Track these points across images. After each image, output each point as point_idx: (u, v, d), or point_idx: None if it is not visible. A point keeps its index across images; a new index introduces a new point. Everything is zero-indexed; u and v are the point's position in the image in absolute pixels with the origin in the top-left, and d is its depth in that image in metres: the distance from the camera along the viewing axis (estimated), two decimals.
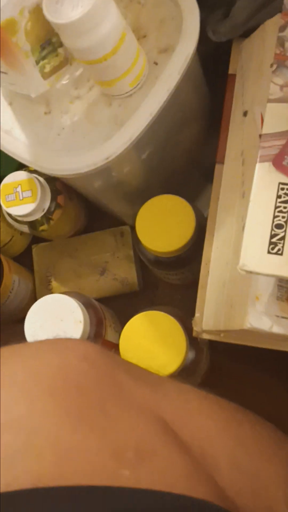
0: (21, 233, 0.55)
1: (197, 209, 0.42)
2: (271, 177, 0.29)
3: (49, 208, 0.47)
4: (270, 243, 0.28)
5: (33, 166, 0.38)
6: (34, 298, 0.54)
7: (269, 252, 0.28)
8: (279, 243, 0.28)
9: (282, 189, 0.29)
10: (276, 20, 0.37)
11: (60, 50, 0.37)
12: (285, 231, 0.28)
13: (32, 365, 0.28)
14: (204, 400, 0.33)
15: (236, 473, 0.29)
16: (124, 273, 0.53)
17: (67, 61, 0.38)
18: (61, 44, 0.36)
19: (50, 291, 0.54)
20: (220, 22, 0.40)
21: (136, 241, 0.43)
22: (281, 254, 0.28)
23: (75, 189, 0.49)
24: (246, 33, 0.42)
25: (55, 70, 0.38)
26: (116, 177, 0.41)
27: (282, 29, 0.34)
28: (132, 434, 0.27)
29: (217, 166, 0.40)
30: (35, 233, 0.51)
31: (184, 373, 0.40)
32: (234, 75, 0.42)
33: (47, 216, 0.48)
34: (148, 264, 0.47)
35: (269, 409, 0.34)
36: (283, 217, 0.28)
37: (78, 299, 0.42)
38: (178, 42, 0.36)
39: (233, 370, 0.48)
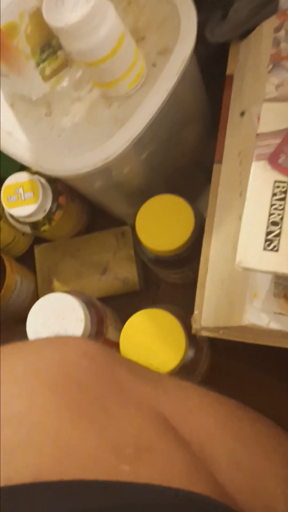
0: (23, 233, 0.55)
1: (196, 208, 0.43)
2: (267, 175, 0.29)
3: (51, 208, 0.48)
4: (266, 240, 0.28)
5: (34, 167, 0.39)
6: (36, 298, 0.54)
7: (265, 249, 0.28)
8: (275, 239, 0.28)
9: (278, 187, 0.29)
10: (272, 21, 0.38)
11: (59, 52, 0.38)
12: (280, 228, 0.28)
13: (33, 361, 0.28)
14: (204, 397, 0.33)
15: (235, 470, 0.29)
16: (125, 273, 0.53)
17: (67, 63, 0.39)
18: (60, 47, 0.37)
19: (52, 291, 0.54)
20: (217, 24, 0.41)
21: (136, 241, 0.44)
22: (277, 250, 0.28)
23: (76, 189, 0.49)
24: (244, 35, 0.42)
25: (55, 72, 0.39)
26: (117, 177, 0.42)
27: (277, 29, 0.34)
28: (132, 430, 0.27)
29: (215, 166, 0.41)
30: (37, 234, 0.51)
31: (184, 371, 0.40)
32: (231, 76, 0.43)
33: (49, 217, 0.49)
34: (148, 264, 0.48)
35: (268, 408, 0.34)
36: (278, 214, 0.29)
37: (80, 298, 0.43)
38: (176, 44, 0.37)
39: (233, 369, 0.48)
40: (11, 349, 0.29)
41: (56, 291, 0.54)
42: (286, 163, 0.30)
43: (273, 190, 0.29)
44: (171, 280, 0.51)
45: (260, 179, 0.29)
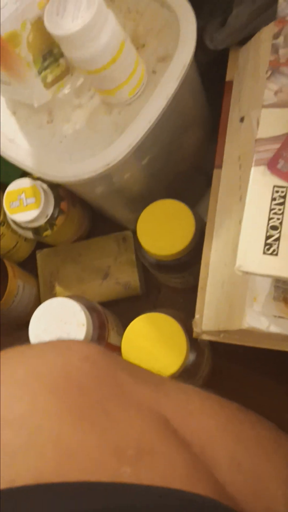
0: (26, 239, 0.56)
1: (196, 213, 0.43)
2: (266, 180, 0.30)
3: (53, 214, 0.48)
4: (266, 244, 0.29)
5: (36, 173, 0.39)
6: (38, 303, 0.54)
7: (264, 253, 0.29)
8: (274, 244, 0.29)
9: (277, 191, 0.30)
10: (270, 28, 0.38)
11: (61, 60, 0.38)
12: (280, 232, 0.29)
13: (34, 364, 0.28)
14: (205, 399, 0.33)
15: (236, 472, 0.30)
16: (126, 277, 0.54)
17: (68, 71, 0.39)
18: (62, 55, 0.37)
19: (54, 296, 0.55)
20: (216, 31, 0.41)
21: (137, 245, 0.44)
22: (276, 254, 0.28)
23: (77, 195, 0.50)
24: (243, 41, 0.42)
25: (57, 80, 0.39)
26: (117, 183, 0.42)
27: (276, 36, 0.35)
28: (133, 432, 0.27)
29: (215, 171, 0.41)
30: (39, 239, 0.52)
31: (185, 375, 0.41)
32: (231, 82, 0.43)
33: (51, 222, 0.49)
34: (150, 268, 0.48)
35: (269, 411, 0.35)
36: (278, 218, 0.29)
37: (82, 303, 0.43)
38: (176, 51, 0.37)
39: (233, 372, 0.48)
40: (13, 353, 0.29)
41: (58, 295, 0.54)
42: (285, 168, 0.30)
43: (272, 194, 0.29)
44: (172, 285, 0.51)
45: (260, 184, 0.30)
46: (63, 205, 0.49)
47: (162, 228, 0.42)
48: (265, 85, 0.33)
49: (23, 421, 0.26)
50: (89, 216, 0.56)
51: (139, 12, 0.40)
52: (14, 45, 0.35)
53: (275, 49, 0.34)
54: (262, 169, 0.30)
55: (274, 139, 0.31)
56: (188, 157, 0.48)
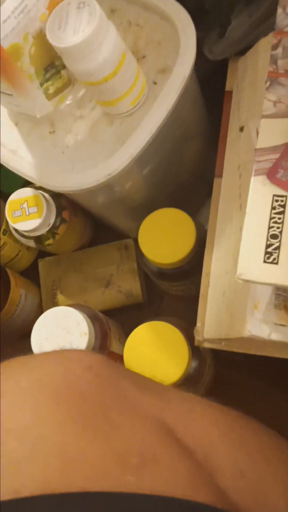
0: (28, 248, 0.56)
1: (197, 221, 0.44)
2: (265, 190, 0.30)
3: (55, 223, 0.49)
4: (266, 252, 0.29)
5: (38, 183, 0.40)
6: (40, 312, 0.54)
7: (265, 262, 0.29)
8: (275, 252, 0.29)
9: (277, 200, 0.30)
10: (268, 39, 0.39)
11: (63, 72, 0.39)
12: (280, 241, 0.29)
13: (37, 374, 0.29)
14: (207, 407, 0.33)
15: (238, 479, 0.30)
16: (128, 286, 0.54)
17: (70, 82, 0.40)
18: (64, 67, 0.38)
19: (56, 305, 0.55)
20: (215, 42, 0.42)
21: (139, 254, 0.44)
22: (277, 263, 0.29)
23: (79, 204, 0.50)
24: (242, 52, 0.43)
25: (59, 91, 0.39)
26: (119, 193, 0.42)
27: (274, 47, 0.35)
28: (136, 440, 0.27)
29: (216, 180, 0.42)
30: (41, 248, 0.52)
31: (187, 383, 0.41)
32: (230, 92, 0.44)
33: (53, 231, 0.49)
34: (151, 276, 0.48)
35: (270, 418, 0.35)
36: (277, 227, 0.29)
37: (84, 311, 0.43)
38: (176, 62, 0.38)
39: (235, 379, 0.48)
40: (16, 363, 0.30)
41: (60, 304, 0.55)
42: (285, 178, 0.30)
43: (272, 204, 0.30)
44: (173, 293, 0.52)
45: (259, 194, 0.30)
46: (65, 214, 0.50)
47: (163, 237, 0.42)
48: (264, 95, 0.33)
49: (27, 431, 0.26)
50: (91, 225, 0.56)
51: (139, 25, 0.41)
52: (16, 58, 0.35)
53: (273, 60, 0.35)
54: (262, 178, 0.31)
55: (273, 149, 0.31)
56: (188, 166, 0.48)
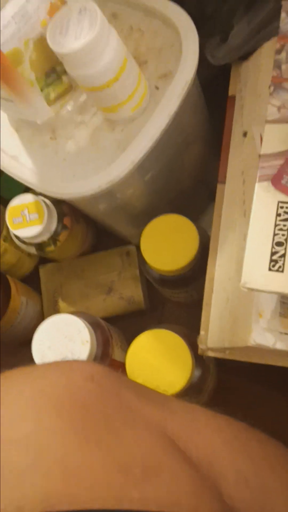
0: (29, 254, 0.56)
1: (200, 227, 0.43)
2: (270, 196, 0.30)
3: (56, 229, 0.48)
4: (271, 260, 0.29)
5: (39, 190, 0.40)
6: (41, 319, 0.54)
7: (270, 270, 0.28)
8: (280, 260, 0.28)
9: (282, 207, 0.29)
10: (271, 44, 0.39)
11: (64, 77, 0.38)
12: (285, 248, 0.29)
13: (40, 384, 0.28)
14: (211, 418, 0.33)
15: (243, 487, 0.29)
16: (130, 292, 0.53)
17: (71, 88, 0.40)
18: (65, 72, 0.37)
19: (57, 312, 0.55)
20: (217, 47, 0.42)
21: (141, 260, 0.44)
22: (282, 271, 0.28)
23: (81, 211, 0.50)
24: (245, 56, 0.43)
25: (60, 97, 0.39)
26: (121, 199, 0.42)
27: (278, 52, 0.35)
28: (139, 451, 0.27)
29: (219, 186, 0.41)
30: (42, 255, 0.52)
31: (191, 391, 0.40)
32: (233, 97, 0.43)
33: (54, 238, 0.49)
34: (154, 283, 0.48)
35: (271, 423, 0.34)
36: (283, 234, 0.29)
37: (85, 319, 0.43)
38: (178, 68, 0.37)
39: (238, 385, 0.48)
40: (18, 373, 0.29)
41: (62, 311, 0.54)
42: None
43: (277, 210, 0.29)
44: (175, 299, 0.51)
45: (264, 200, 0.30)
46: (67, 220, 0.49)
47: (165, 243, 0.42)
48: (268, 100, 0.33)
49: (29, 441, 0.25)
50: (92, 231, 0.56)
51: (141, 30, 0.41)
52: (17, 64, 0.35)
53: (277, 65, 0.34)
54: (266, 185, 0.30)
55: (278, 155, 0.31)
56: (190, 171, 0.48)
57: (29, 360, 0.42)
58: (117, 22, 0.41)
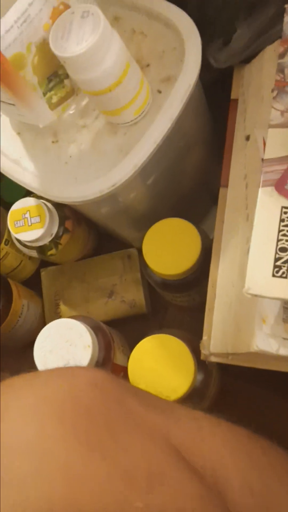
0: (30, 257, 0.55)
1: (202, 231, 0.43)
2: (274, 201, 0.29)
3: (57, 233, 0.48)
4: (275, 266, 0.28)
5: (41, 194, 0.39)
6: (43, 323, 0.54)
7: (274, 275, 0.28)
8: (284, 266, 0.28)
9: (285, 212, 0.29)
10: (274, 47, 0.38)
11: (66, 81, 0.38)
12: None
13: (42, 391, 0.28)
14: (216, 426, 0.33)
15: (248, 495, 0.29)
16: (132, 296, 0.53)
17: (73, 91, 0.39)
18: (67, 76, 0.37)
19: (58, 315, 0.54)
20: (219, 50, 0.41)
21: (143, 264, 0.44)
22: (286, 277, 0.28)
23: (83, 214, 0.49)
24: (248, 59, 0.43)
25: (62, 100, 0.39)
26: (123, 203, 0.42)
27: (281, 56, 0.35)
28: (143, 459, 0.27)
29: (221, 190, 0.41)
30: (43, 258, 0.51)
31: (193, 396, 0.40)
32: (236, 100, 0.43)
33: (56, 241, 0.49)
34: (155, 287, 0.48)
35: (273, 426, 0.34)
36: (286, 240, 0.29)
37: (87, 323, 0.42)
38: (181, 71, 0.37)
39: (240, 389, 0.48)
40: (21, 380, 0.29)
41: (63, 315, 0.54)
42: None
43: (280, 216, 0.29)
44: (178, 303, 0.51)
45: (267, 205, 0.30)
46: (68, 224, 0.49)
47: (168, 247, 0.42)
48: (271, 104, 0.33)
49: (32, 448, 0.25)
50: (94, 235, 0.56)
51: (143, 33, 0.40)
52: (19, 68, 0.35)
53: (280, 69, 0.34)
54: (270, 190, 0.30)
55: (281, 159, 0.31)
56: (193, 175, 0.47)
57: (30, 363, 0.41)
58: (119, 25, 0.41)
